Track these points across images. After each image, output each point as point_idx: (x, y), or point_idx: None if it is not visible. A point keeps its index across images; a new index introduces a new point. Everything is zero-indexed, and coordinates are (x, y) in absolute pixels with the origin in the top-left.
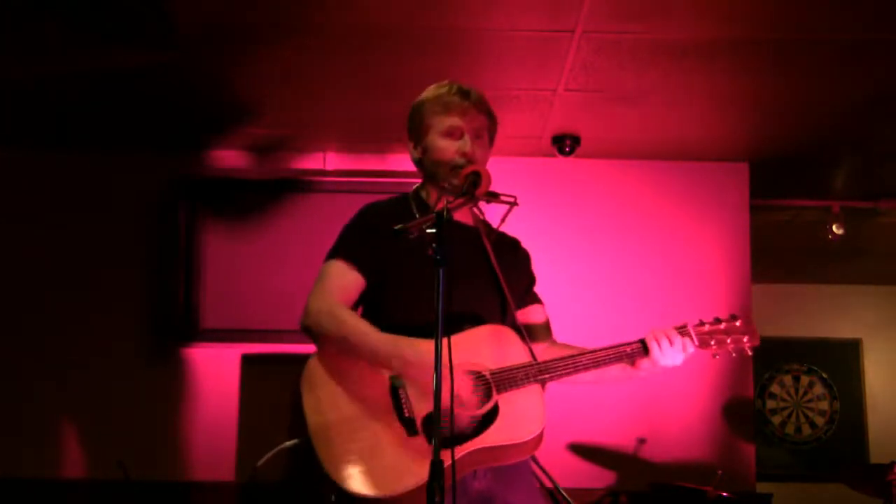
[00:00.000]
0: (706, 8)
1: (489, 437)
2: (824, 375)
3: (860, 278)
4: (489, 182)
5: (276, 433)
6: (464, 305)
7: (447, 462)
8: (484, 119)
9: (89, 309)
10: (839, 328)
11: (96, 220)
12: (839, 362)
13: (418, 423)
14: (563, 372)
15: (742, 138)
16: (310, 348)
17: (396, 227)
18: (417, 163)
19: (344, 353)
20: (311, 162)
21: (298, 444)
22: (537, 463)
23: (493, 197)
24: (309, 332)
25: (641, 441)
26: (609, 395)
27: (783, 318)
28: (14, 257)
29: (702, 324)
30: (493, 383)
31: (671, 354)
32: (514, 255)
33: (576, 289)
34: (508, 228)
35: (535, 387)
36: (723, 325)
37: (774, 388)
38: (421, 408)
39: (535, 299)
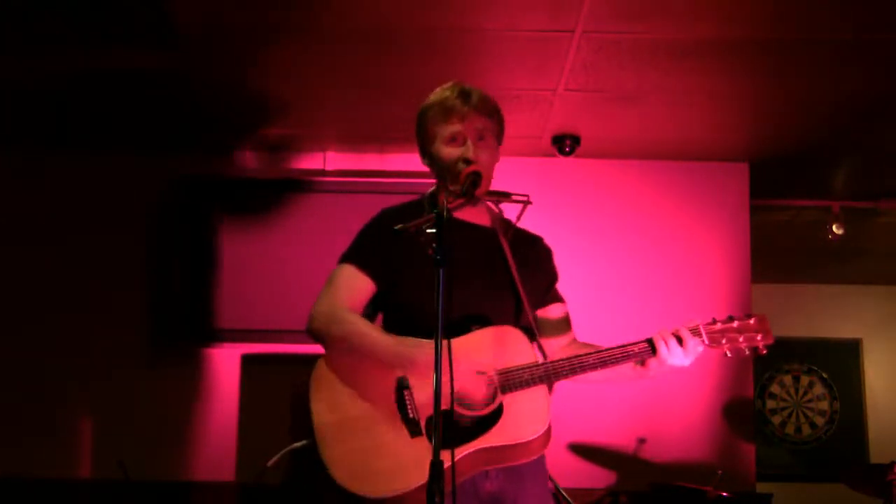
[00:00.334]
0: (706, 8)
1: (491, 438)
2: (824, 375)
3: (860, 278)
4: (489, 182)
5: (276, 433)
6: (473, 306)
7: (448, 462)
8: (486, 121)
9: (89, 309)
10: (839, 328)
11: (96, 220)
12: (839, 362)
13: (422, 423)
14: (570, 372)
15: (742, 138)
16: (309, 348)
17: (396, 228)
18: (429, 167)
19: (348, 355)
20: (311, 162)
21: (307, 446)
22: None
23: (504, 197)
24: (314, 335)
25: (641, 441)
26: (609, 395)
27: (783, 318)
28: (14, 257)
29: (714, 322)
30: (499, 384)
31: (679, 354)
32: (533, 254)
33: (575, 289)
34: None
35: (541, 387)
36: (736, 324)
37: (774, 388)
38: (426, 408)
39: (556, 298)
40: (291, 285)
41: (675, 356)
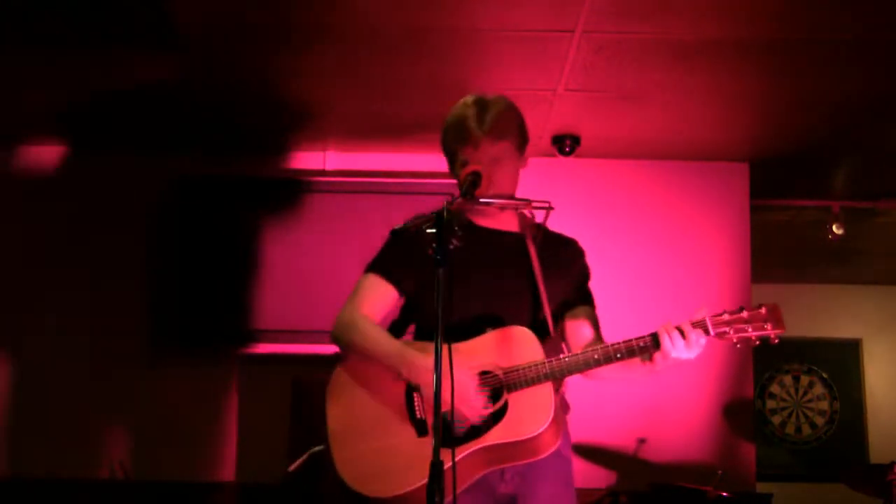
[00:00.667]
0: (706, 8)
1: (492, 436)
2: (824, 375)
3: (860, 278)
4: (513, 189)
5: (275, 433)
6: (491, 310)
7: (449, 462)
8: (500, 145)
9: (89, 309)
10: (839, 328)
11: (96, 221)
12: (839, 362)
13: (429, 424)
14: (575, 368)
15: (742, 138)
16: (308, 348)
17: (395, 228)
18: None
19: (363, 361)
20: (311, 162)
21: (325, 450)
22: None
23: (525, 203)
24: (334, 342)
25: (641, 441)
26: (609, 395)
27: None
28: (14, 256)
29: (722, 313)
30: (505, 382)
31: (682, 348)
32: (562, 256)
33: None
34: None
35: (546, 384)
36: (745, 314)
37: (774, 388)
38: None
39: (584, 300)
40: (291, 285)
41: (678, 350)
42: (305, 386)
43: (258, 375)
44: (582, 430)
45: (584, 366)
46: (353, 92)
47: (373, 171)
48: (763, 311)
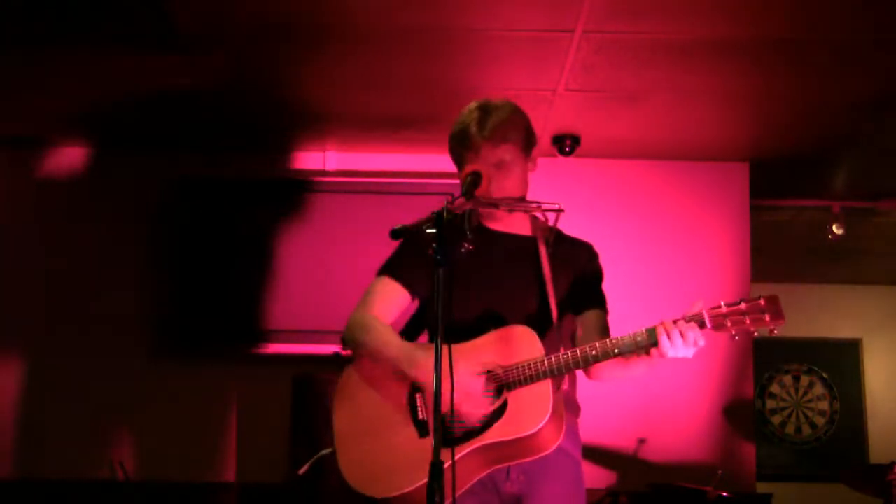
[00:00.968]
0: (706, 8)
1: (491, 434)
2: (824, 375)
3: (860, 278)
4: (522, 191)
5: (276, 433)
6: (496, 311)
7: (451, 462)
8: (503, 149)
9: (89, 308)
10: (839, 328)
11: (96, 220)
12: (839, 362)
13: (430, 424)
14: (574, 364)
15: (742, 138)
16: (308, 348)
17: (395, 228)
18: None
19: (370, 361)
20: (311, 162)
21: (333, 452)
22: None
23: (535, 206)
24: (344, 343)
25: (641, 441)
26: (609, 395)
27: None
28: (14, 256)
29: (719, 306)
30: (504, 381)
31: (680, 346)
32: (573, 259)
33: None
34: None
35: (545, 382)
36: (743, 306)
37: (774, 388)
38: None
39: (594, 304)
40: (291, 285)
41: (676, 347)
42: (306, 386)
43: (258, 375)
44: (582, 430)
45: (583, 362)
46: (353, 92)
47: (373, 171)
48: (762, 302)
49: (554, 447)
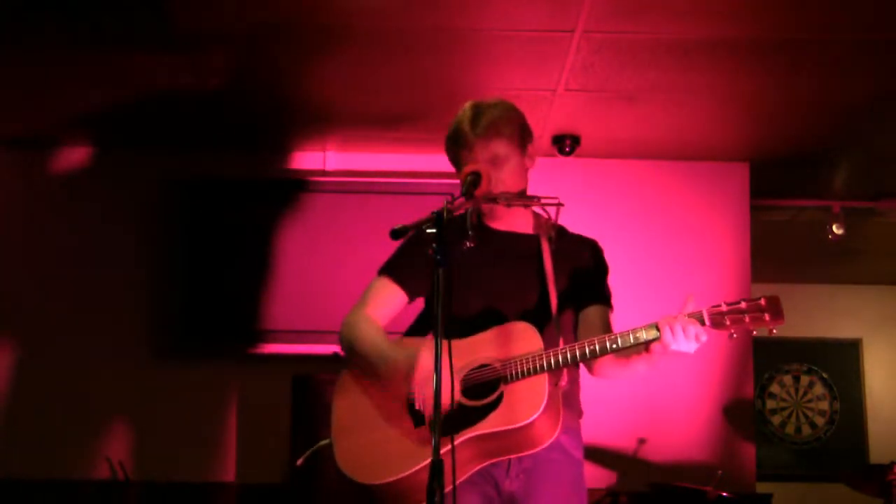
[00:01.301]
0: (707, 8)
1: (486, 424)
2: (824, 375)
3: (860, 278)
4: (521, 187)
5: (274, 433)
6: (494, 309)
7: (449, 459)
8: (496, 145)
9: (89, 309)
10: (839, 328)
11: (96, 220)
12: (839, 362)
13: (426, 414)
14: (572, 359)
15: (742, 138)
16: (308, 348)
17: (395, 228)
18: None
19: (360, 361)
20: (311, 162)
21: (330, 444)
22: None
23: (534, 201)
24: (340, 342)
25: (641, 441)
26: (609, 395)
27: None
28: (14, 256)
29: (719, 305)
30: (502, 374)
31: (682, 341)
32: (576, 256)
33: None
34: None
35: (541, 376)
36: (743, 305)
37: (774, 388)
38: (430, 402)
39: (595, 299)
40: (291, 285)
41: (678, 342)
42: (306, 385)
43: (258, 375)
44: (583, 430)
45: (581, 357)
46: (353, 92)
47: (373, 171)
48: (762, 302)
49: (549, 442)
